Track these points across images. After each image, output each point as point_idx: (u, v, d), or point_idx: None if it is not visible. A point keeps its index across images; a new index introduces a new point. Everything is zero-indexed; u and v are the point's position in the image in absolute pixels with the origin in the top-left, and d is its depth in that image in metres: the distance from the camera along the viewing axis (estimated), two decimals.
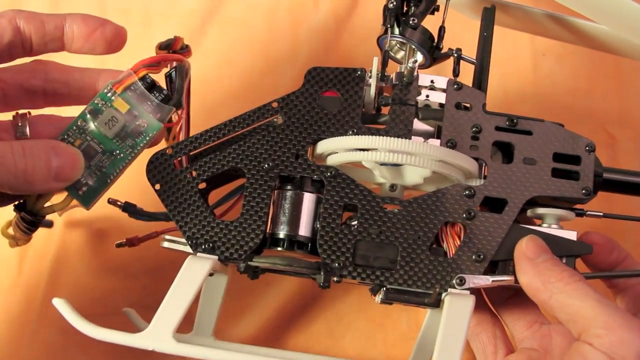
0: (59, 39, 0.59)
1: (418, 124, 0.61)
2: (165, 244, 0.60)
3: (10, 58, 0.59)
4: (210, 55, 0.86)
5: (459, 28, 0.72)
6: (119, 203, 0.62)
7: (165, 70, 0.61)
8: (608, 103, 0.85)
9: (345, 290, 0.76)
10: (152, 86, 0.59)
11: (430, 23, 0.63)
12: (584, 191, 0.59)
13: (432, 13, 0.64)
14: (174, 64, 0.60)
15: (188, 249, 0.59)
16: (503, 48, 0.85)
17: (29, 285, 0.76)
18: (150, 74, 0.59)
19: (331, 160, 0.60)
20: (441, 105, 0.61)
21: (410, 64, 0.60)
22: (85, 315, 0.55)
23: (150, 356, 0.74)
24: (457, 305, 0.56)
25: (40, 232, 0.76)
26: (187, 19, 0.87)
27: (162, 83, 0.60)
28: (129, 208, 0.62)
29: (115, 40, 0.60)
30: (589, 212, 0.62)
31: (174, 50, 0.61)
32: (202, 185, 0.61)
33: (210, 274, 0.61)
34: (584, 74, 0.85)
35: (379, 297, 0.59)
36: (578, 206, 0.61)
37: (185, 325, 0.60)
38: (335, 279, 0.58)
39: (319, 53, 0.85)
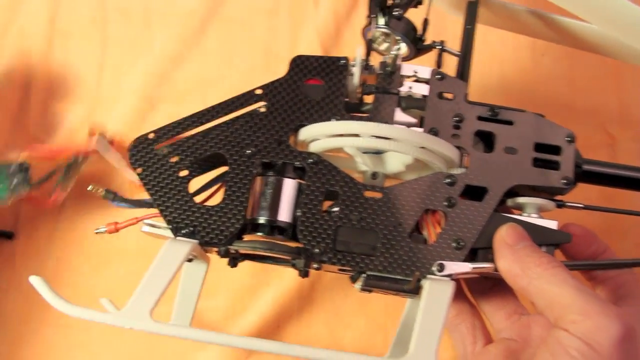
0: None
1: (401, 116, 0.61)
2: (146, 229, 0.60)
3: None
4: (210, 55, 0.86)
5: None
6: (99, 191, 0.62)
7: None
8: (608, 103, 0.86)
9: (345, 290, 0.76)
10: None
11: (414, 17, 0.64)
12: (564, 181, 0.59)
13: (416, 6, 0.65)
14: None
15: (168, 233, 0.59)
16: (503, 48, 0.86)
17: (29, 285, 0.75)
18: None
19: (314, 147, 0.60)
20: (424, 96, 0.62)
21: (393, 52, 0.60)
22: None
23: (155, 355, 0.75)
24: (437, 290, 0.56)
25: (41, 232, 0.78)
26: (187, 19, 0.88)
27: None
28: (109, 195, 0.62)
29: None
30: (568, 204, 0.62)
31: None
32: (185, 173, 0.61)
33: (190, 260, 0.61)
34: (584, 74, 0.85)
35: (358, 285, 0.59)
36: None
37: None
38: (315, 265, 0.58)
39: (319, 53, 0.85)
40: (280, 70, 0.62)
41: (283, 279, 0.76)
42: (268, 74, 0.63)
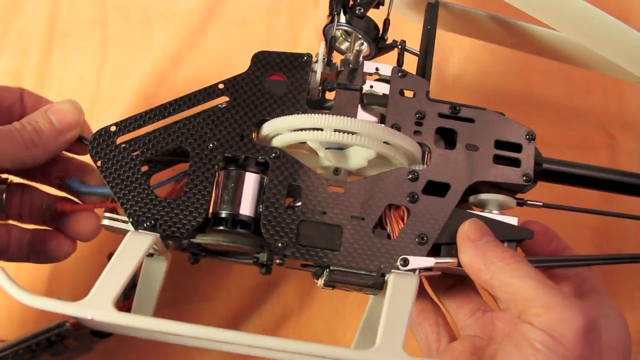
0: None
1: (362, 114, 0.62)
2: (105, 222, 0.59)
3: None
4: (210, 55, 0.86)
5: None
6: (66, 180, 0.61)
7: None
8: (608, 103, 0.86)
9: (345, 291, 0.76)
10: None
11: (375, 18, 0.65)
12: (524, 178, 0.60)
13: (377, 7, 0.65)
14: None
15: (129, 226, 0.58)
16: (504, 48, 0.86)
17: (29, 285, 0.73)
18: None
19: (276, 142, 0.60)
20: (385, 94, 0.62)
21: (356, 48, 0.61)
22: None
23: (151, 355, 0.73)
24: (402, 283, 0.56)
25: None
26: (187, 19, 0.87)
27: None
28: (66, 181, 0.61)
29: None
30: (529, 202, 0.62)
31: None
32: (145, 168, 0.60)
33: (150, 255, 0.60)
34: (583, 74, 0.85)
35: (321, 281, 0.59)
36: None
37: None
38: (278, 260, 0.58)
39: None
40: None
41: (283, 279, 0.76)
42: None
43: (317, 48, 0.62)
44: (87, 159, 0.62)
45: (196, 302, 0.74)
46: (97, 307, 0.52)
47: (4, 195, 0.63)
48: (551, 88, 0.86)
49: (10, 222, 0.64)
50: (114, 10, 0.88)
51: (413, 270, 0.57)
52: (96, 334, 0.67)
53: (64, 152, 0.63)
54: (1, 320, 0.73)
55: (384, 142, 0.58)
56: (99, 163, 0.59)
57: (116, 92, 0.84)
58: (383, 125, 0.60)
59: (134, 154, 0.59)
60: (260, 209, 0.58)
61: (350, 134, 0.57)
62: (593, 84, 0.87)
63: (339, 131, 0.57)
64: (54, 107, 0.61)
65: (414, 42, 0.66)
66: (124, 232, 0.58)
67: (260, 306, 0.76)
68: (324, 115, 0.57)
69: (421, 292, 0.64)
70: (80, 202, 0.64)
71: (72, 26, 0.87)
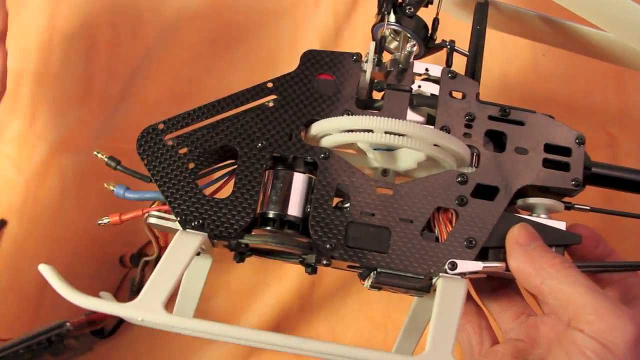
0: None
1: (410, 115, 0.61)
2: (153, 220, 0.59)
3: None
4: (210, 55, 0.86)
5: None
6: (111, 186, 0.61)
7: None
8: (608, 103, 0.86)
9: (345, 290, 0.76)
10: None
11: (424, 17, 0.64)
12: (573, 182, 0.60)
13: (426, 6, 0.65)
14: None
15: (176, 225, 0.58)
16: (504, 48, 0.86)
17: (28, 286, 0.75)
18: None
19: (325, 142, 0.60)
20: (433, 95, 0.61)
21: (407, 49, 0.60)
22: None
23: (151, 355, 0.73)
24: (451, 288, 0.56)
25: (39, 233, 0.77)
26: (187, 18, 0.87)
27: None
28: (115, 189, 0.61)
29: None
30: (576, 206, 0.62)
31: None
32: (192, 165, 0.60)
33: (198, 253, 0.60)
34: (584, 74, 0.86)
35: (368, 282, 0.59)
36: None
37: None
38: (324, 262, 0.57)
39: None
40: (280, 70, 0.61)
41: (283, 279, 0.76)
42: (268, 73, 0.62)
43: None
44: None
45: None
46: (148, 308, 0.52)
47: None
48: (551, 88, 0.86)
49: None
50: (113, 10, 0.89)
51: (461, 274, 0.57)
52: (97, 334, 0.67)
53: None
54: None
55: (434, 145, 0.58)
56: (146, 161, 0.59)
57: (116, 91, 0.85)
58: (433, 127, 0.60)
59: (182, 151, 0.59)
60: (309, 210, 0.58)
61: (400, 136, 0.57)
62: (593, 84, 0.87)
63: (389, 133, 0.57)
64: None
65: (462, 42, 0.66)
66: (171, 230, 0.58)
67: (260, 306, 0.76)
68: (374, 117, 0.57)
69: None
70: None
71: (72, 26, 0.88)
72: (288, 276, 0.76)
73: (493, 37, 0.82)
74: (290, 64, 0.60)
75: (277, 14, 0.88)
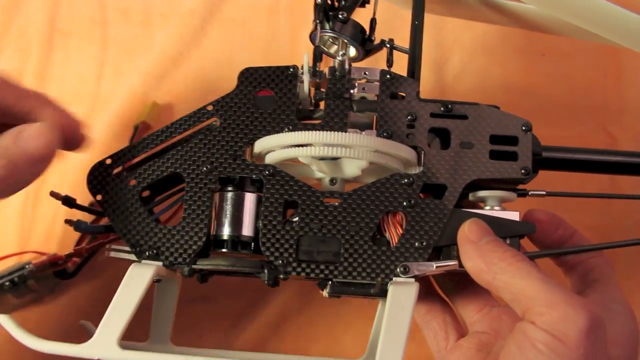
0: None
1: (356, 117, 0.61)
2: (112, 254, 0.61)
3: None
4: (210, 55, 0.86)
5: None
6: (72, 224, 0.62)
7: None
8: (608, 103, 0.85)
9: None
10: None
11: (362, 16, 0.64)
12: (523, 171, 0.59)
13: (363, 5, 0.65)
14: None
15: (133, 257, 0.59)
16: (504, 48, 0.85)
17: None
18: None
19: (269, 159, 0.60)
20: (377, 96, 0.61)
21: (339, 57, 0.60)
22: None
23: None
24: (400, 293, 0.56)
25: (36, 239, 0.79)
26: (187, 19, 0.87)
27: None
28: (74, 224, 0.62)
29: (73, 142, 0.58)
30: (531, 192, 0.62)
31: None
32: (146, 193, 0.61)
33: (158, 280, 0.61)
34: (583, 74, 0.84)
35: (326, 292, 0.59)
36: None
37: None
38: (281, 276, 0.58)
39: None
40: None
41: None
42: None
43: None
44: None
45: (196, 302, 0.75)
46: (103, 347, 0.54)
47: None
48: (551, 88, 0.84)
49: None
50: (114, 10, 0.88)
51: (415, 277, 0.58)
52: (59, 275, 0.69)
53: None
54: None
55: (375, 151, 0.58)
56: (98, 197, 0.60)
57: (116, 91, 0.85)
58: (373, 134, 0.60)
59: (132, 183, 0.60)
60: (259, 226, 0.59)
61: (339, 147, 0.57)
62: (593, 84, 0.85)
63: (329, 145, 0.57)
64: (23, 129, 0.53)
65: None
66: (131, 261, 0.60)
67: (260, 306, 0.77)
68: (310, 131, 0.57)
69: (429, 290, 0.64)
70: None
71: (72, 26, 0.88)
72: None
73: (493, 37, 0.82)
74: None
75: (276, 13, 0.88)
